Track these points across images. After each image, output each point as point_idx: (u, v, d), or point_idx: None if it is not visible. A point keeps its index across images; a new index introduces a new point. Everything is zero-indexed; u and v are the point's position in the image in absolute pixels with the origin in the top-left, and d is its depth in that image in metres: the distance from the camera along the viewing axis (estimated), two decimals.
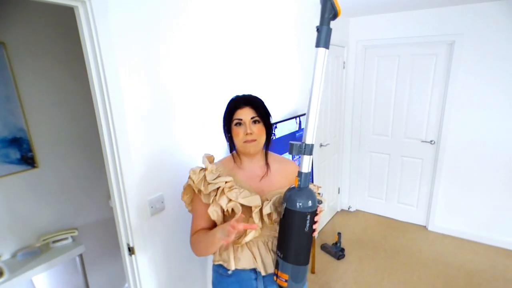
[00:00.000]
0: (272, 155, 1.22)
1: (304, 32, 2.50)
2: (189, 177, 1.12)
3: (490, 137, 2.87)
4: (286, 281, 0.99)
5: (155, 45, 1.36)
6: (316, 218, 1.00)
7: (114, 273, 2.34)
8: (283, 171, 1.19)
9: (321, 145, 3.12)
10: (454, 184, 3.14)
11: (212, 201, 1.06)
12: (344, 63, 3.41)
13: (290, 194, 0.97)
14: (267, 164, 1.17)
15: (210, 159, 1.15)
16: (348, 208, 3.89)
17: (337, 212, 3.87)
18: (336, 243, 2.99)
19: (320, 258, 2.93)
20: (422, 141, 3.26)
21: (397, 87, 3.28)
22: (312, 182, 2.78)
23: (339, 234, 2.98)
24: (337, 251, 2.91)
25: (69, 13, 1.47)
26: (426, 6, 2.82)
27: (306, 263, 1.02)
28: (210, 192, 1.07)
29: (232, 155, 1.18)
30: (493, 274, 2.63)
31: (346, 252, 2.99)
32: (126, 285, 2.39)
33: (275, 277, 1.03)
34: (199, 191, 1.10)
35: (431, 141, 3.20)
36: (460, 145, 3.02)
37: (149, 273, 1.48)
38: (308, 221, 0.96)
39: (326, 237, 3.27)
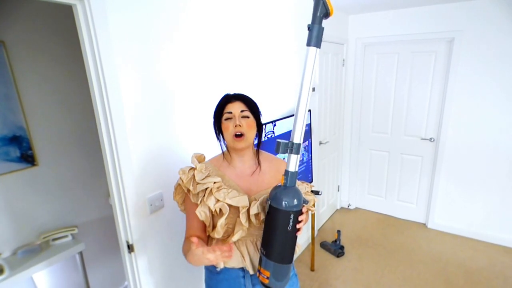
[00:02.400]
0: (262, 154, 1.21)
1: (303, 30, 2.50)
2: (179, 177, 1.12)
3: (490, 134, 2.87)
4: (267, 278, 0.98)
5: (154, 43, 1.36)
6: (300, 218, 0.98)
7: (114, 270, 2.35)
8: (272, 170, 1.19)
9: (320, 143, 3.12)
10: (454, 182, 3.14)
11: (200, 201, 1.06)
12: (343, 60, 3.40)
13: (276, 192, 0.97)
14: (258, 163, 1.17)
15: (200, 158, 1.14)
16: (348, 206, 3.90)
17: (337, 209, 3.88)
18: (335, 241, 3.00)
19: (319, 255, 2.94)
20: (422, 139, 3.26)
21: (397, 85, 3.27)
22: (312, 180, 2.78)
23: (338, 232, 2.99)
24: (336, 249, 2.92)
25: (68, 11, 1.47)
26: (425, 3, 2.82)
27: (289, 262, 1.00)
28: (198, 192, 1.07)
29: (223, 153, 1.19)
30: (492, 272, 2.64)
31: (345, 250, 3.00)
32: (126, 283, 2.40)
33: (257, 273, 1.02)
34: (188, 190, 1.10)
35: (431, 138, 3.20)
36: (460, 142, 3.02)
37: (148, 270, 1.49)
38: (291, 220, 0.95)
39: (325, 235, 3.28)
